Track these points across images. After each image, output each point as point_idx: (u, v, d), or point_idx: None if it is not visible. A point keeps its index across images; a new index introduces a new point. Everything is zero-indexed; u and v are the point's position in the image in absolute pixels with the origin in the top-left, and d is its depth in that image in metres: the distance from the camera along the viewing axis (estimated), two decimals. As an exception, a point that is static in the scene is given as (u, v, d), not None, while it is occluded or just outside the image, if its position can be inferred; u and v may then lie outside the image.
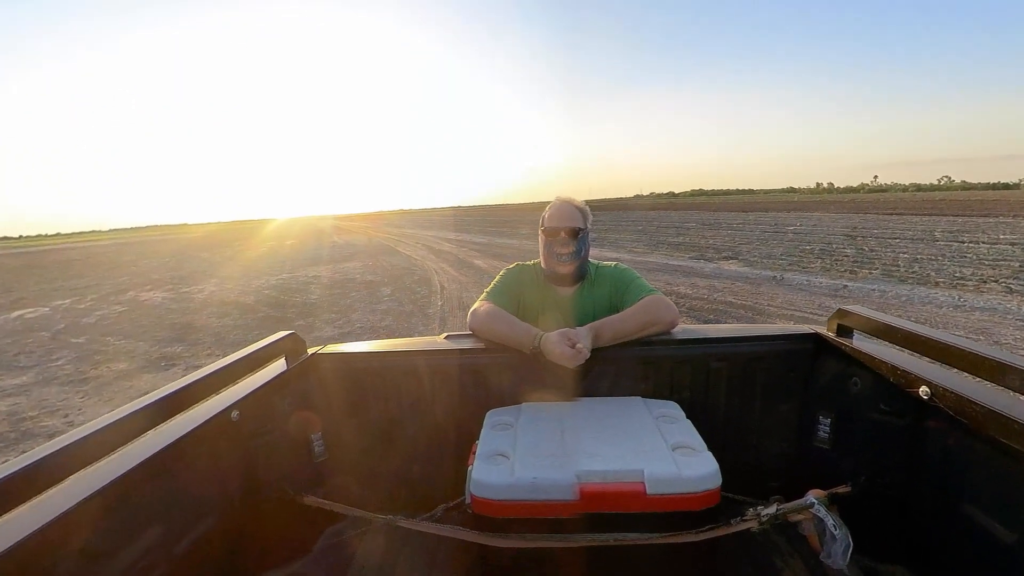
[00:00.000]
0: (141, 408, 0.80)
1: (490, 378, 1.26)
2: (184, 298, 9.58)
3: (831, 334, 1.18)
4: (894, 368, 0.97)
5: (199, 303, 8.90)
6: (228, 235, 45.93)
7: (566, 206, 1.44)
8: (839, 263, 9.49)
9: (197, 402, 0.91)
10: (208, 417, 0.89)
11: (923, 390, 0.89)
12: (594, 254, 1.48)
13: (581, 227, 1.39)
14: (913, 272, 8.22)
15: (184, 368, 5.10)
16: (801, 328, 1.26)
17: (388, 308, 7.40)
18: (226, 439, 0.94)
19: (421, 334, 5.86)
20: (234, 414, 0.95)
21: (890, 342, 1.01)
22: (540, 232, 1.45)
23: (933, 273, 8.05)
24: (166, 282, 12.25)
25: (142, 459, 0.74)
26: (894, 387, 0.97)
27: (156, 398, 0.83)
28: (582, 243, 1.39)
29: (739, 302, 6.54)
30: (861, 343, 1.11)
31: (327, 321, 6.78)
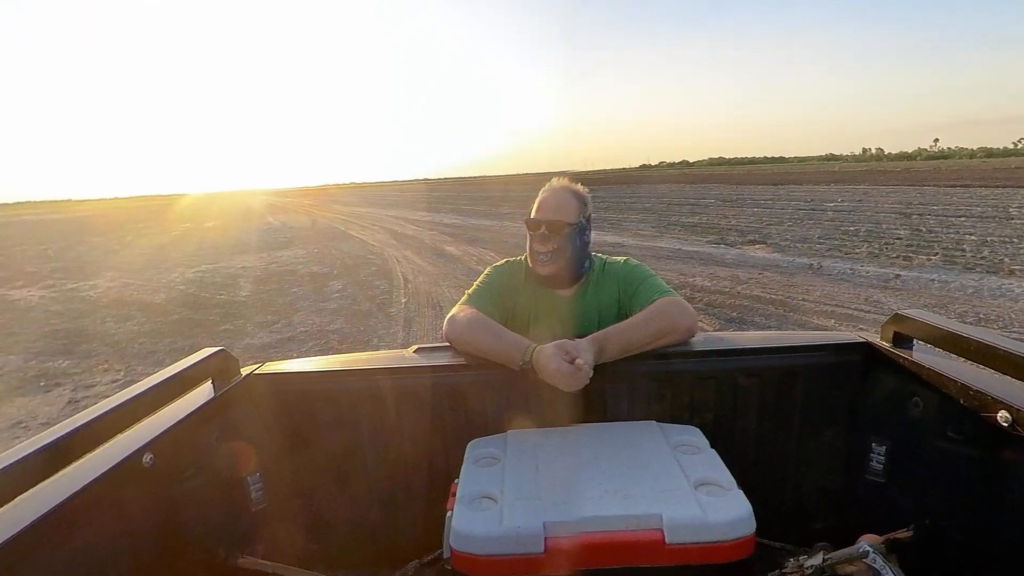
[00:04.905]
0: (26, 456, 0.77)
1: (471, 400, 1.26)
2: (71, 297, 9.32)
3: (885, 344, 1.21)
4: (965, 387, 0.99)
5: (91, 303, 8.68)
6: (127, 214, 44.78)
7: (554, 194, 1.46)
8: (890, 247, 9.76)
9: (100, 444, 0.89)
10: (113, 464, 0.86)
11: (1002, 415, 0.91)
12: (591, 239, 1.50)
13: (570, 221, 1.41)
14: (982, 258, 8.47)
15: (72, 389, 4.97)
16: (848, 336, 1.29)
17: (339, 307, 7.35)
18: (137, 490, 0.92)
19: (382, 338, 5.85)
20: (147, 458, 0.93)
21: (958, 354, 1.04)
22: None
23: (1007, 259, 8.29)
24: (45, 276, 11.87)
25: (26, 523, 0.71)
26: (965, 410, 0.99)
27: (45, 442, 0.81)
28: (570, 240, 1.41)
29: (768, 296, 6.69)
30: (923, 355, 1.14)
31: (261, 324, 6.70)
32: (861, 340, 1.26)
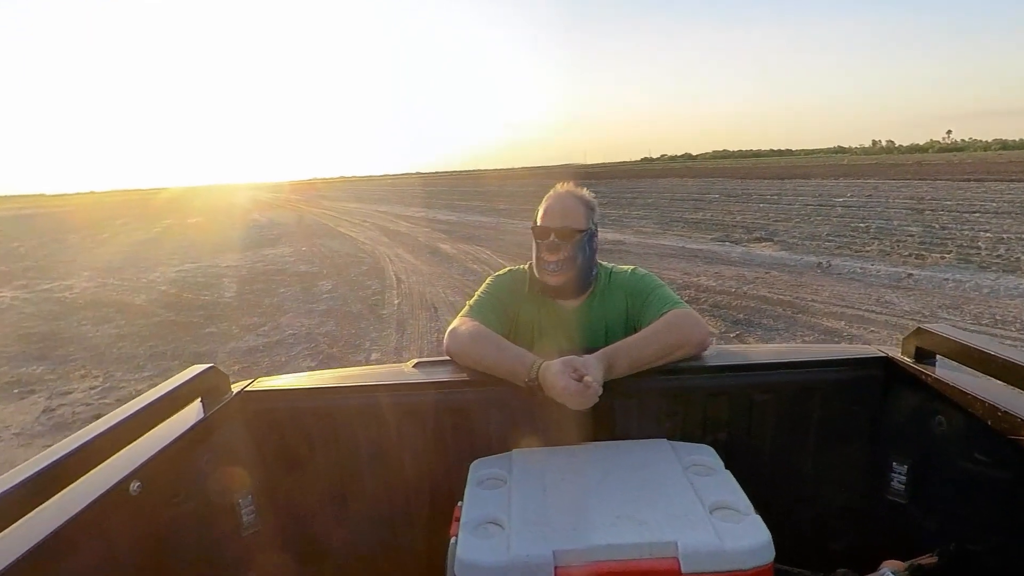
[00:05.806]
0: (8, 489, 0.77)
1: (475, 418, 1.26)
2: (45, 298, 9.27)
3: (907, 359, 1.21)
4: (992, 407, 0.99)
5: (67, 305, 8.64)
6: (105, 210, 44.63)
7: (563, 200, 1.46)
8: (902, 245, 9.82)
9: (85, 473, 0.88)
10: (99, 494, 0.86)
11: None
12: None
13: (581, 228, 1.41)
14: (998, 256, 8.54)
15: (48, 396, 4.94)
16: (868, 350, 1.29)
17: (329, 308, 7.34)
18: (124, 519, 0.91)
19: (374, 341, 5.84)
20: (134, 485, 0.92)
21: (983, 372, 1.04)
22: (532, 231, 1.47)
23: (1024, 256, 8.37)
24: (17, 275, 11.81)
25: (10, 560, 0.71)
26: (991, 431, 0.99)
27: (28, 474, 0.80)
28: (580, 248, 1.40)
29: (775, 296, 6.73)
30: (946, 372, 1.14)
31: (248, 327, 6.69)
32: (881, 355, 1.26)
